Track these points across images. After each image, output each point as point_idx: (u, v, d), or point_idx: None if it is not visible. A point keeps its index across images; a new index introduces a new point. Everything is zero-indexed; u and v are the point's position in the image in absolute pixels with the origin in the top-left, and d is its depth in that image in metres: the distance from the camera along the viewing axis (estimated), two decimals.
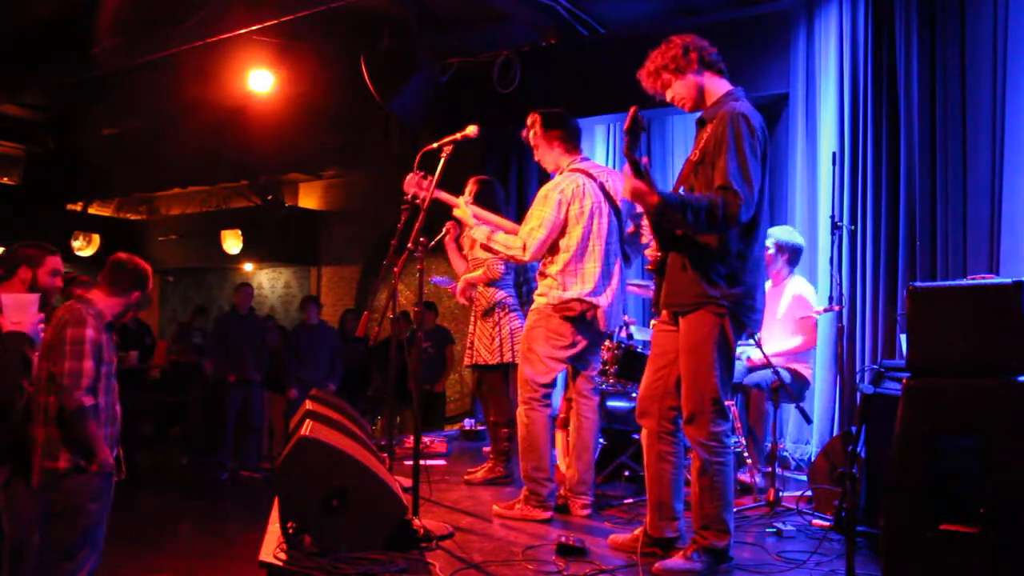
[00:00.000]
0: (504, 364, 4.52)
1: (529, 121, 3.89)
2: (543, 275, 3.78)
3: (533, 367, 3.74)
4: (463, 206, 4.04)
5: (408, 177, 3.96)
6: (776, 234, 4.79)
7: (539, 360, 3.72)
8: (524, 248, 3.69)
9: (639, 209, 3.61)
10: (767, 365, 4.27)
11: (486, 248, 3.97)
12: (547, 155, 3.89)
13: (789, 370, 4.60)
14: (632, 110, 2.78)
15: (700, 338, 2.95)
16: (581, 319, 3.69)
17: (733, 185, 2.80)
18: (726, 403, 4.16)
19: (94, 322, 3.24)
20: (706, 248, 2.93)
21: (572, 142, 3.87)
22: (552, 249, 3.73)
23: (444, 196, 4.31)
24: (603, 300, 3.69)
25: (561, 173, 3.83)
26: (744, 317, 2.98)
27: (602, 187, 3.77)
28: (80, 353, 3.15)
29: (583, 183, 3.73)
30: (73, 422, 3.15)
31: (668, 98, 3.10)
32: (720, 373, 2.95)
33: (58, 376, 3.14)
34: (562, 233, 3.70)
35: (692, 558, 2.90)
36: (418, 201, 3.84)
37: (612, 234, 3.77)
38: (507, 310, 4.53)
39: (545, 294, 3.74)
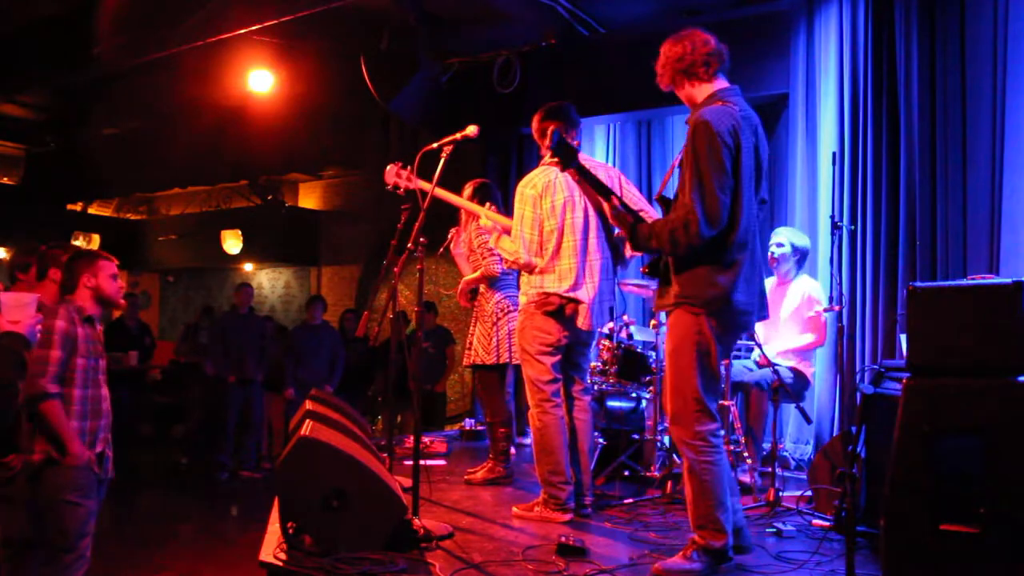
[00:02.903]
0: (501, 364, 4.52)
1: (535, 116, 3.94)
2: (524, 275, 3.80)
3: (532, 367, 3.74)
4: (485, 215, 4.20)
5: (387, 168, 4.15)
6: (791, 237, 4.80)
7: (533, 359, 3.73)
8: (518, 251, 3.71)
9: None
10: (767, 364, 4.28)
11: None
12: (542, 146, 3.92)
13: (792, 369, 4.60)
14: (550, 130, 3.19)
15: (679, 338, 3.00)
16: (560, 314, 3.68)
17: (693, 205, 2.86)
18: (725, 403, 4.20)
19: (66, 314, 3.31)
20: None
21: (565, 133, 3.87)
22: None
23: (466, 204, 4.45)
24: (584, 295, 3.67)
25: (540, 166, 3.86)
26: (727, 318, 2.98)
27: None
28: (48, 342, 3.21)
29: (554, 177, 3.73)
30: (37, 409, 3.20)
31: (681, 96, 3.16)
32: (701, 373, 2.96)
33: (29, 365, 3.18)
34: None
35: (691, 558, 2.91)
36: (400, 191, 3.98)
37: (589, 229, 3.74)
38: (506, 311, 4.52)
39: (526, 292, 3.77)
